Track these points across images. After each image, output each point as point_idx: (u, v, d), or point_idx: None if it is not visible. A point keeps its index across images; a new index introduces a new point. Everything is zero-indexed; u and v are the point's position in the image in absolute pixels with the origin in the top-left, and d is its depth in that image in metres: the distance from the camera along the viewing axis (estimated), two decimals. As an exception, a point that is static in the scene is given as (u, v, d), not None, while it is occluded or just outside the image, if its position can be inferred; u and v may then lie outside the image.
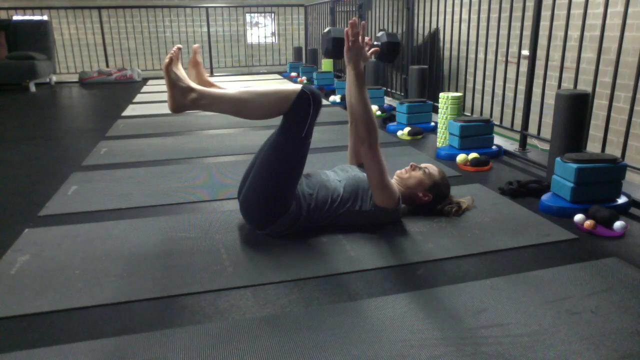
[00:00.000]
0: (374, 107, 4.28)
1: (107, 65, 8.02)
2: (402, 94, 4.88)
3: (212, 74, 8.35)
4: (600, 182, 2.03)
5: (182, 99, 1.64)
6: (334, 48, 2.05)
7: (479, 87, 5.22)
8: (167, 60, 1.61)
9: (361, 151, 1.78)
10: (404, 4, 4.80)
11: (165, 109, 4.92)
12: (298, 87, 1.67)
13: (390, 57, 2.20)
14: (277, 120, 1.73)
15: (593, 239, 1.81)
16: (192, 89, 1.63)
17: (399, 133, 3.49)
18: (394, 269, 1.60)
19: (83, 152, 3.17)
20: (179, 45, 1.67)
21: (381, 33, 2.18)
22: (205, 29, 8.48)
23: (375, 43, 2.16)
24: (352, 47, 1.77)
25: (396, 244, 1.77)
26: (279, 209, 1.75)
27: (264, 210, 1.77)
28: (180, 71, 1.64)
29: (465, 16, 3.77)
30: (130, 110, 4.82)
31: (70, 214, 2.10)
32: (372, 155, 1.75)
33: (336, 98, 5.01)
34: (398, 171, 2.06)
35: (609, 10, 2.42)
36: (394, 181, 2.04)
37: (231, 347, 1.21)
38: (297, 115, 1.67)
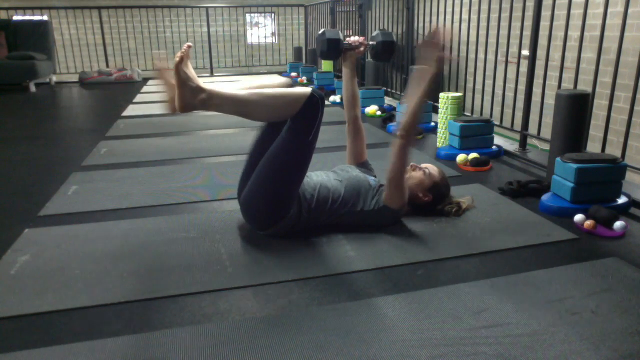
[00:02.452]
0: (374, 107, 4.28)
1: (107, 65, 8.02)
2: (402, 94, 4.88)
3: (212, 74, 8.35)
4: (600, 182, 2.03)
5: (192, 98, 1.63)
6: (329, 49, 2.05)
7: (479, 87, 5.22)
8: (177, 58, 1.59)
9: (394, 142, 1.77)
10: (404, 4, 4.80)
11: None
12: (307, 90, 1.66)
13: (385, 56, 2.20)
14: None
15: (593, 239, 1.81)
16: (202, 89, 1.62)
17: (399, 133, 3.49)
18: (394, 269, 1.60)
19: (83, 152, 3.17)
20: (189, 44, 1.64)
21: (376, 32, 2.18)
22: (205, 29, 8.47)
23: (370, 43, 2.16)
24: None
25: (396, 244, 1.77)
26: (280, 212, 1.75)
27: (265, 212, 1.77)
28: (190, 70, 1.63)
29: (465, 16, 3.77)
30: (130, 110, 4.82)
31: (70, 214, 2.10)
32: (403, 148, 1.75)
33: (336, 98, 5.01)
34: (398, 171, 2.06)
35: (609, 10, 2.42)
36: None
37: (231, 347, 1.21)
38: (306, 118, 1.67)
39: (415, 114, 1.74)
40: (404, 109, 1.79)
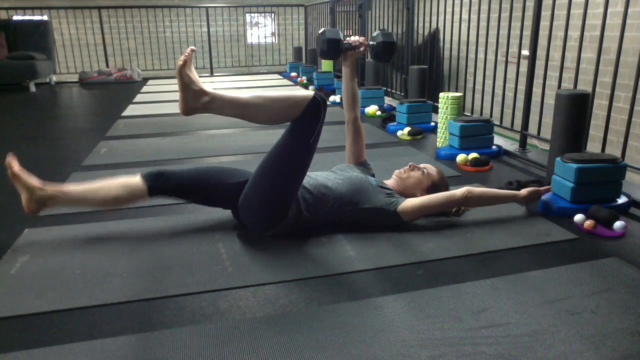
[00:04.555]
0: (374, 107, 4.28)
1: (107, 65, 8.02)
2: (402, 94, 4.88)
3: (212, 74, 8.36)
4: (600, 182, 2.03)
5: (195, 102, 1.63)
6: (329, 49, 2.05)
7: (479, 87, 5.22)
8: (180, 62, 1.60)
9: (465, 195, 1.89)
10: (404, 4, 4.81)
11: (165, 109, 4.94)
12: (310, 93, 1.66)
13: (385, 56, 2.20)
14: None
15: (593, 239, 1.81)
16: (204, 92, 1.62)
17: (399, 133, 3.49)
18: (394, 269, 1.60)
19: (83, 152, 3.17)
20: (193, 47, 1.65)
21: (377, 33, 2.18)
22: (205, 29, 8.48)
23: (371, 43, 2.16)
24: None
25: (396, 244, 1.77)
26: (280, 213, 1.75)
27: (265, 214, 1.76)
28: (193, 74, 1.63)
29: (465, 16, 3.77)
30: (130, 110, 4.82)
31: (70, 214, 2.10)
32: (456, 202, 1.90)
33: (336, 98, 5.01)
34: (397, 171, 2.06)
35: (609, 10, 2.42)
36: (392, 181, 2.04)
37: (231, 347, 1.21)
38: (308, 121, 1.67)
39: (492, 200, 1.98)
40: (496, 189, 2.02)
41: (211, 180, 1.84)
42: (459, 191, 1.89)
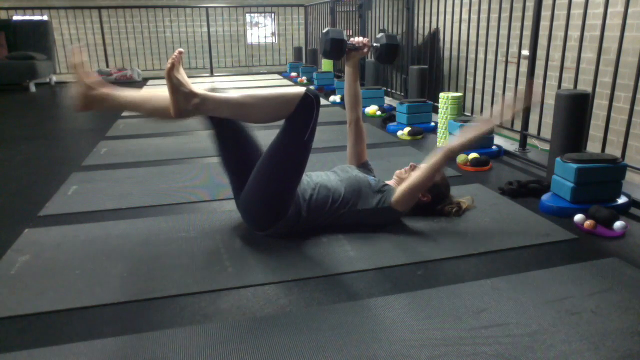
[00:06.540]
0: (374, 107, 4.28)
1: (107, 65, 8.02)
2: (402, 94, 4.88)
3: (212, 74, 8.35)
4: (600, 182, 2.03)
5: (185, 104, 1.62)
6: (332, 49, 2.05)
7: (479, 87, 5.22)
8: (168, 65, 1.59)
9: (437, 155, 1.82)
10: (404, 4, 4.81)
11: (165, 109, 4.93)
12: (301, 89, 1.66)
13: (389, 58, 2.20)
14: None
15: (593, 239, 1.81)
16: (195, 94, 1.61)
17: (399, 133, 3.49)
18: (394, 269, 1.60)
19: (83, 152, 3.17)
20: (181, 50, 1.63)
21: (381, 35, 2.18)
22: (205, 29, 8.47)
23: (374, 44, 2.16)
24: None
25: (396, 244, 1.77)
26: (278, 212, 1.75)
27: (263, 213, 1.77)
28: (183, 76, 1.62)
29: (465, 16, 3.77)
30: (130, 110, 4.81)
31: (70, 214, 2.10)
32: (443, 164, 1.83)
33: (336, 98, 5.01)
34: (397, 171, 2.06)
35: (609, 10, 2.42)
36: (393, 181, 2.04)
37: (231, 347, 1.21)
38: (301, 118, 1.66)
39: (472, 142, 1.87)
40: (463, 131, 1.91)
41: (253, 162, 1.79)
42: (438, 152, 1.83)
